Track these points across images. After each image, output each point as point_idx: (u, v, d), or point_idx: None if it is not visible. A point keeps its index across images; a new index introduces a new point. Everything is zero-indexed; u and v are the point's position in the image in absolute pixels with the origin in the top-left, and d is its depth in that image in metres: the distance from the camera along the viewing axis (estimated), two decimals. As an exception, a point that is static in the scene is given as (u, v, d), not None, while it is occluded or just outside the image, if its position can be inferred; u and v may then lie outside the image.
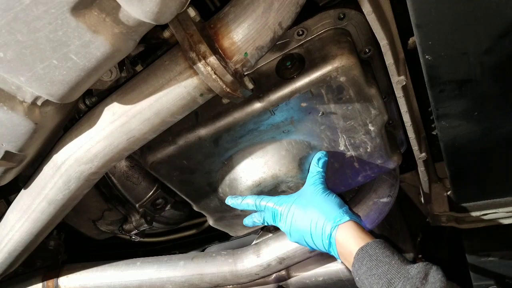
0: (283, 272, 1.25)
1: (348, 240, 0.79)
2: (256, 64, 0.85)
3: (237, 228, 1.17)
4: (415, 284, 0.67)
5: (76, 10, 0.53)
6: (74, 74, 0.60)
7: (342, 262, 0.85)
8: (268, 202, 0.91)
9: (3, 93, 0.64)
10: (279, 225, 0.91)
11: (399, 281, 0.69)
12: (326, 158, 0.92)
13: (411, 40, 0.84)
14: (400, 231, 1.33)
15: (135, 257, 1.20)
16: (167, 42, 0.74)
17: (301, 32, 0.81)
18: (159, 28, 0.70)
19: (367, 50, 0.87)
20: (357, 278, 0.77)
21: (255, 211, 0.97)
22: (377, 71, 0.92)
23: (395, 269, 0.71)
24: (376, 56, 0.88)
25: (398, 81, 0.82)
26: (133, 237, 1.31)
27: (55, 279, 1.19)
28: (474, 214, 1.12)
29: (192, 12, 0.66)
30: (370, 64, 0.90)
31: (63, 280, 1.18)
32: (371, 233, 0.82)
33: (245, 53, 0.67)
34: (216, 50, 0.66)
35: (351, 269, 0.79)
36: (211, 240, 1.52)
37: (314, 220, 0.83)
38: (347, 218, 0.81)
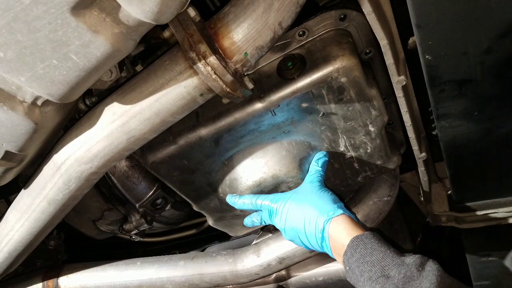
0: (283, 272, 1.25)
1: (340, 233, 0.78)
2: (257, 64, 0.85)
3: (237, 228, 1.17)
4: (411, 271, 0.65)
5: (76, 10, 0.53)
6: (74, 74, 0.60)
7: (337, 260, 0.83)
8: (264, 200, 0.91)
9: (3, 93, 0.64)
10: (274, 222, 0.91)
11: (394, 268, 0.67)
12: (326, 158, 0.91)
13: (411, 40, 0.84)
14: (400, 231, 1.33)
15: (135, 257, 1.20)
16: (167, 42, 0.74)
17: (302, 33, 0.82)
18: (159, 28, 0.70)
19: (368, 51, 0.87)
20: (347, 268, 0.75)
21: (255, 211, 0.97)
22: (377, 72, 0.92)
23: (390, 257, 0.69)
24: (376, 57, 0.89)
25: (398, 81, 0.82)
26: (133, 237, 1.31)
27: (55, 279, 1.19)
28: (474, 214, 1.12)
29: (192, 12, 0.66)
30: (371, 65, 0.90)
31: (63, 280, 1.18)
32: (365, 228, 0.81)
33: (245, 53, 0.67)
34: (216, 50, 0.66)
35: (342, 261, 0.77)
36: (211, 240, 1.52)
37: (307, 215, 0.83)
38: (341, 212, 0.80)
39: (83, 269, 1.19)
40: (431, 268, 0.65)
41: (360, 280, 0.71)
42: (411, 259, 0.68)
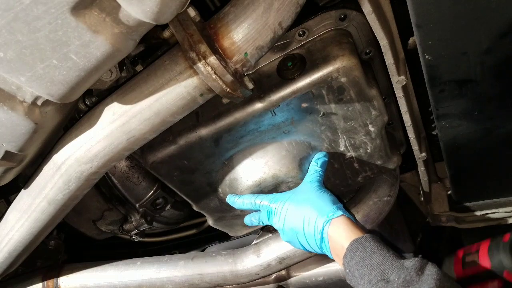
0: (283, 272, 1.25)
1: (340, 235, 0.78)
2: (257, 64, 0.85)
3: (237, 228, 1.17)
4: (411, 275, 0.65)
5: (76, 10, 0.53)
6: (74, 74, 0.60)
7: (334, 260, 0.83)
8: (262, 200, 0.91)
9: (3, 93, 0.64)
10: (273, 222, 0.91)
11: (393, 272, 0.67)
12: (326, 159, 0.91)
13: (411, 40, 0.84)
14: (400, 231, 1.33)
15: (135, 257, 1.20)
16: (167, 42, 0.74)
17: (302, 33, 0.82)
18: (159, 28, 0.70)
19: (368, 51, 0.87)
20: (347, 270, 0.75)
21: (254, 211, 0.97)
22: (377, 72, 0.92)
23: (390, 261, 0.69)
24: (376, 57, 0.89)
25: (398, 81, 0.82)
26: (133, 237, 1.31)
27: (55, 279, 1.19)
28: (474, 214, 1.13)
29: (192, 12, 0.66)
30: (371, 65, 0.90)
31: (63, 280, 1.18)
32: (364, 230, 0.81)
33: (245, 53, 0.67)
34: (216, 50, 0.66)
35: (342, 263, 0.77)
36: (211, 240, 1.52)
37: (307, 216, 0.83)
38: (340, 213, 0.81)
39: (83, 269, 1.19)
40: (431, 272, 0.66)
41: (360, 283, 0.72)
42: (410, 263, 0.68)
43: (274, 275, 1.25)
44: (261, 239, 1.13)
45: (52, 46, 0.56)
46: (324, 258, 1.21)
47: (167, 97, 0.70)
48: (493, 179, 1.02)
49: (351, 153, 0.94)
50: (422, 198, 1.24)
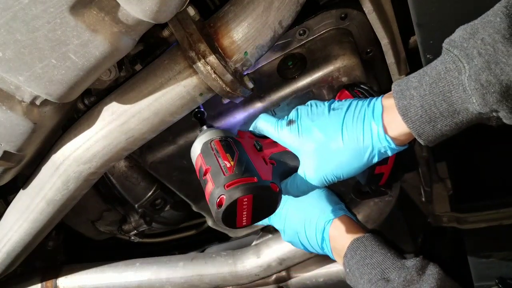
0: (283, 273, 1.25)
1: (341, 234, 0.78)
2: (257, 64, 0.85)
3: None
4: (412, 274, 0.65)
5: (75, 9, 0.52)
6: (73, 74, 0.59)
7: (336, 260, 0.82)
8: None
9: (2, 93, 0.64)
10: (273, 222, 0.90)
11: (394, 271, 0.67)
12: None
13: (412, 39, 0.83)
14: (401, 232, 1.32)
15: (134, 258, 1.20)
16: (166, 41, 0.74)
17: (302, 32, 0.81)
18: (158, 27, 0.69)
19: (368, 50, 0.87)
20: (347, 270, 0.75)
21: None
22: (378, 72, 0.91)
23: (390, 260, 0.69)
24: (377, 56, 0.88)
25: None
26: (132, 237, 1.31)
27: (54, 280, 1.18)
28: (475, 214, 1.12)
29: (191, 11, 0.66)
30: (372, 65, 0.90)
31: (62, 281, 1.18)
32: (366, 230, 0.81)
33: (245, 52, 0.67)
34: (215, 49, 0.66)
35: (342, 262, 0.76)
36: (211, 241, 1.51)
37: (308, 216, 0.82)
38: (341, 213, 0.80)
39: (82, 270, 1.18)
40: (432, 272, 0.65)
41: (360, 282, 0.71)
42: (411, 262, 0.68)
43: (274, 276, 1.25)
44: (261, 240, 1.13)
45: (51, 46, 0.55)
46: (324, 259, 1.20)
47: (166, 96, 0.69)
48: (495, 179, 1.02)
49: (351, 153, 0.93)
50: (423, 199, 1.24)
